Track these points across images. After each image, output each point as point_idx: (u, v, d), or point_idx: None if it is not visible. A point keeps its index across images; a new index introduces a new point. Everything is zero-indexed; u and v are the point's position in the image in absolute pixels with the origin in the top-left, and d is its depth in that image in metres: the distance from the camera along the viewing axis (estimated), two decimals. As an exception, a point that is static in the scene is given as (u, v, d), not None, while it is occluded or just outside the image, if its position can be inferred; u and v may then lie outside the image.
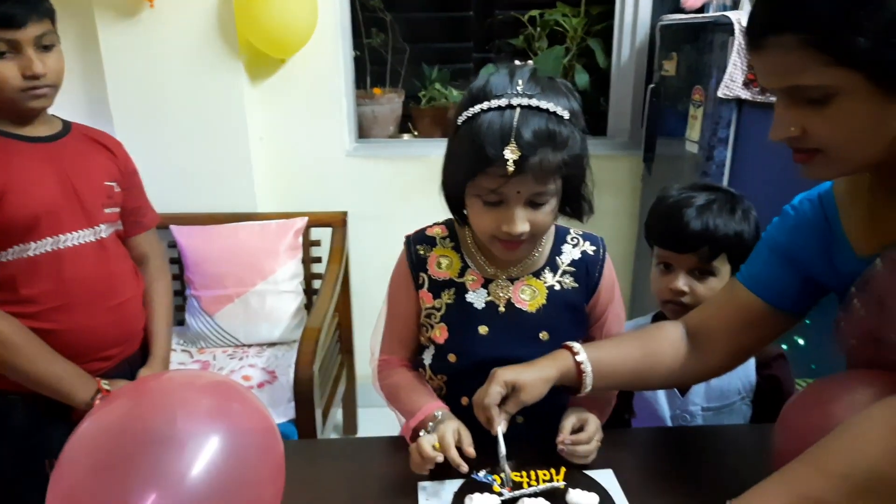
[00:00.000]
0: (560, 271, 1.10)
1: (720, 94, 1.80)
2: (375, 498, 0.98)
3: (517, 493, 0.92)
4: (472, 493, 0.91)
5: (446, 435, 0.95)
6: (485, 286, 1.09)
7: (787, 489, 0.71)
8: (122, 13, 2.15)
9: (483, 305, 1.08)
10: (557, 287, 1.09)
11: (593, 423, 1.01)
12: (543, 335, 1.08)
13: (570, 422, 1.01)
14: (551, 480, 0.94)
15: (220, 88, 2.26)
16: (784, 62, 0.74)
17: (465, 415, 1.01)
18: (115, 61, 2.21)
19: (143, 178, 1.53)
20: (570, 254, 1.11)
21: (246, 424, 0.83)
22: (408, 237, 1.15)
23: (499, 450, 0.93)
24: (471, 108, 0.95)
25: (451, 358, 1.09)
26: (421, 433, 0.99)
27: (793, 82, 0.74)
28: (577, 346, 0.99)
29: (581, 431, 1.00)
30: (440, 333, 1.10)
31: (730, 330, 0.99)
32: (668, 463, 1.05)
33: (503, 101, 0.93)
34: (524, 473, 0.95)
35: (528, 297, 1.09)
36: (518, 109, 0.92)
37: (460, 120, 0.97)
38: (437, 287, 1.10)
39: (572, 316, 1.10)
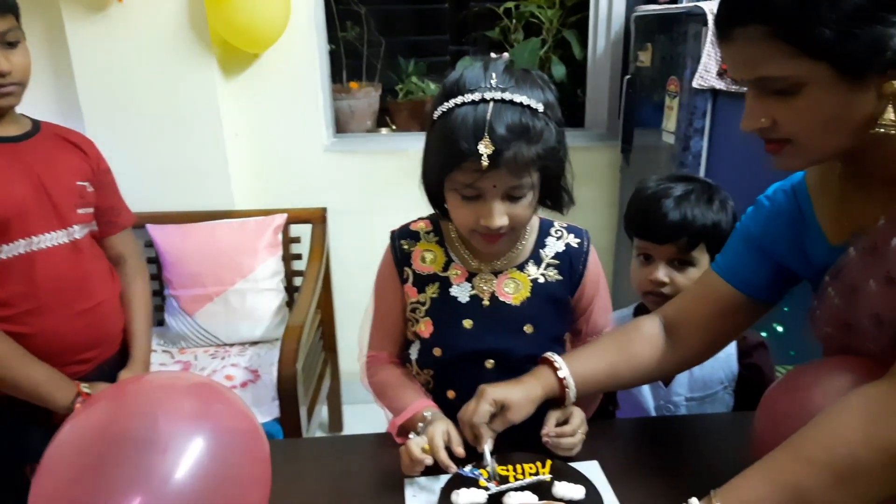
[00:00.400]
0: (544, 264, 1.11)
1: (695, 84, 1.81)
2: (363, 495, 0.97)
3: (504, 486, 0.92)
4: (458, 488, 0.91)
5: (435, 437, 0.95)
6: (469, 280, 1.09)
7: (769, 478, 0.72)
8: (89, 8, 2.10)
9: (467, 299, 1.09)
10: (541, 280, 1.10)
11: (578, 416, 1.02)
12: (528, 328, 1.08)
13: (554, 415, 1.01)
14: (537, 473, 0.95)
15: (193, 84, 2.22)
16: (751, 53, 0.74)
17: (452, 408, 1.01)
18: (84, 58, 2.16)
19: (117, 177, 1.50)
20: (554, 246, 1.12)
21: (229, 425, 0.83)
22: (392, 232, 1.15)
23: (484, 463, 0.93)
24: (445, 103, 0.95)
25: (437, 352, 1.09)
26: (411, 435, 0.98)
27: (760, 73, 0.75)
28: (558, 360, 0.99)
29: (566, 424, 1.01)
30: (425, 328, 1.10)
31: (706, 319, 1.00)
32: (653, 453, 1.06)
33: (477, 96, 0.92)
34: (510, 467, 0.96)
35: (512, 290, 1.09)
36: (491, 103, 0.92)
37: (436, 115, 0.97)
38: (421, 281, 1.10)
39: (556, 308, 1.11)
